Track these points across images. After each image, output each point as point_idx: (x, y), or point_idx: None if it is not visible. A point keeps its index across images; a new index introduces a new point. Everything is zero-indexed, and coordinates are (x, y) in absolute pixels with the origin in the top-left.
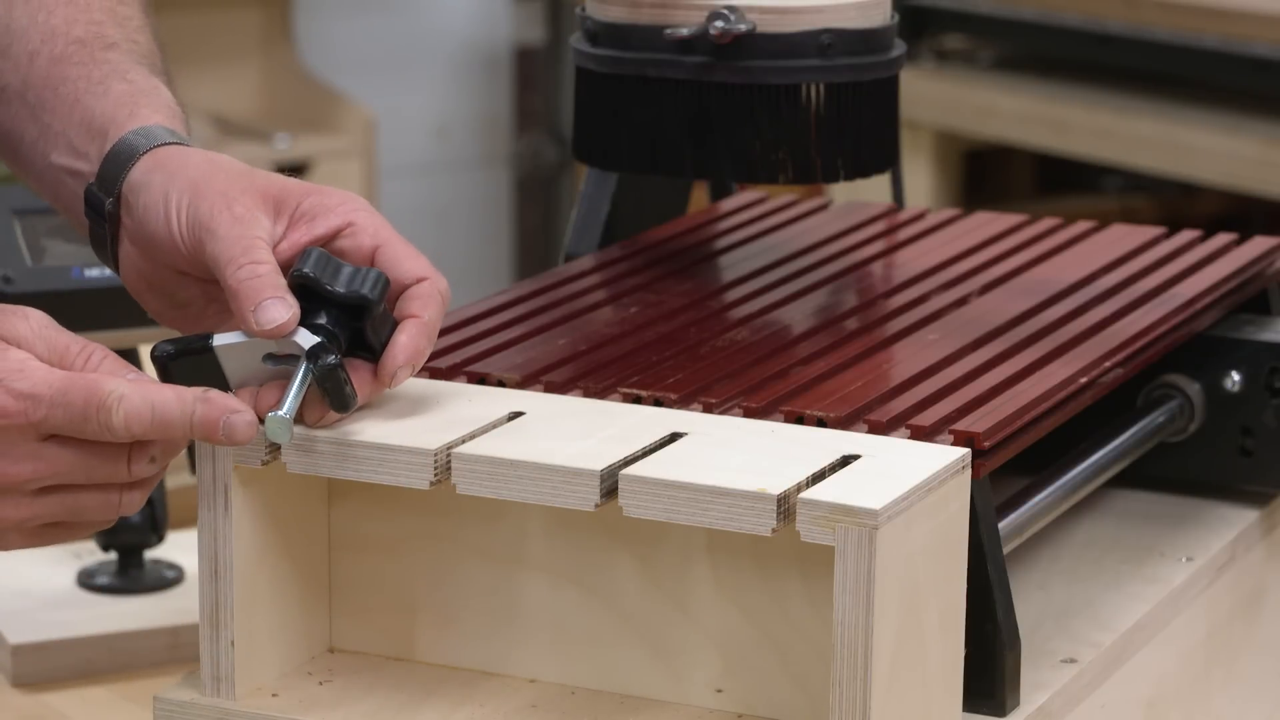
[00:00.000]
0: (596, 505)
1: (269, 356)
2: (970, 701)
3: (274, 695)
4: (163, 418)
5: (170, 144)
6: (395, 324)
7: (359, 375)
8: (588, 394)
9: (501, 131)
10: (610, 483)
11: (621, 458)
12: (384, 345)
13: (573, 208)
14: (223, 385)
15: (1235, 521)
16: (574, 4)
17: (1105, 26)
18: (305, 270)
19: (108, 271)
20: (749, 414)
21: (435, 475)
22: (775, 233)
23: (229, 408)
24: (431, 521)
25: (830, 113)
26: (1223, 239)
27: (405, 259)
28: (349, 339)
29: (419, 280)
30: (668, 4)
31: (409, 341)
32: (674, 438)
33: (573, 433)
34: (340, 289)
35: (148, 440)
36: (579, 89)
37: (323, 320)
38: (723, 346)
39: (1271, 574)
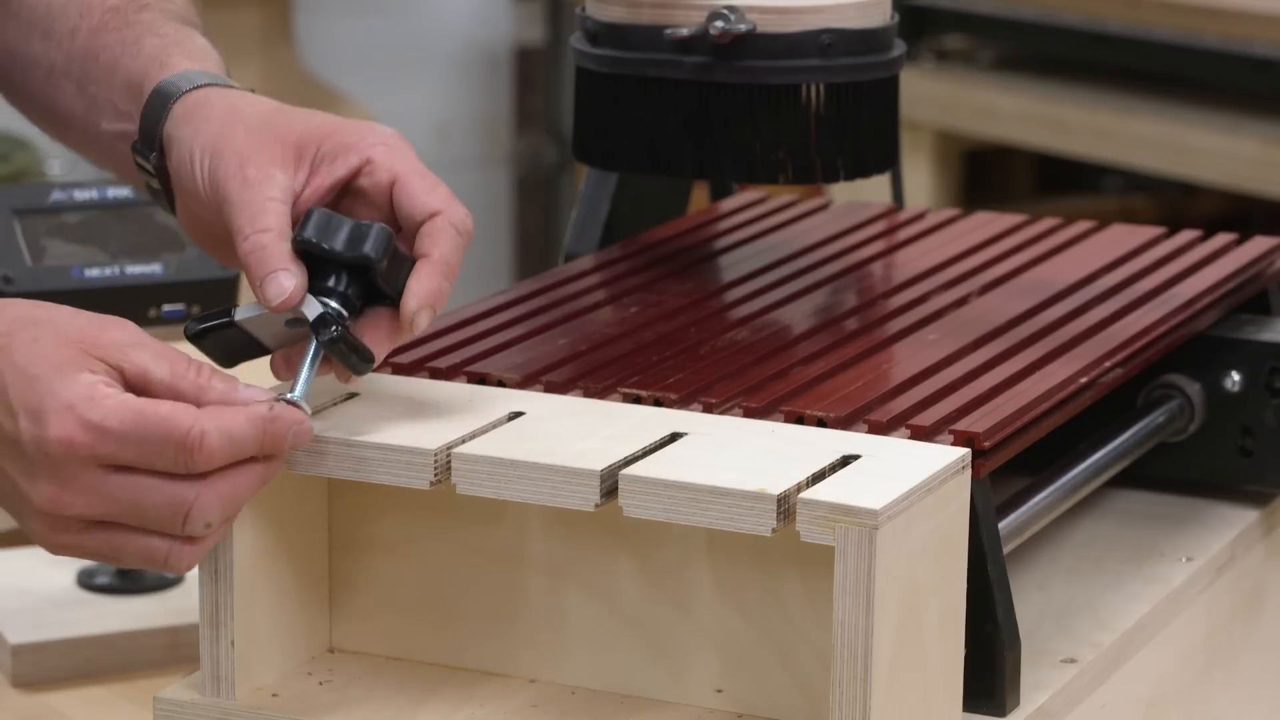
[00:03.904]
0: (596, 505)
1: (290, 321)
2: (970, 701)
3: (274, 695)
4: (239, 446)
5: (198, 88)
6: (414, 264)
7: (380, 325)
8: (588, 394)
9: (501, 131)
10: (610, 483)
11: (621, 458)
12: (404, 288)
13: (573, 208)
14: (257, 351)
15: (1235, 521)
16: (574, 4)
17: (1105, 26)
18: (306, 236)
19: (108, 271)
20: (749, 414)
21: (435, 475)
22: (775, 233)
23: (293, 420)
24: (431, 521)
25: (830, 113)
26: (1223, 239)
27: (419, 193)
28: (365, 291)
29: (431, 215)
30: (668, 4)
31: (421, 285)
32: (674, 438)
33: (573, 433)
34: (341, 249)
35: (212, 489)
36: (579, 89)
37: (332, 283)
38: (723, 346)
39: (1271, 574)
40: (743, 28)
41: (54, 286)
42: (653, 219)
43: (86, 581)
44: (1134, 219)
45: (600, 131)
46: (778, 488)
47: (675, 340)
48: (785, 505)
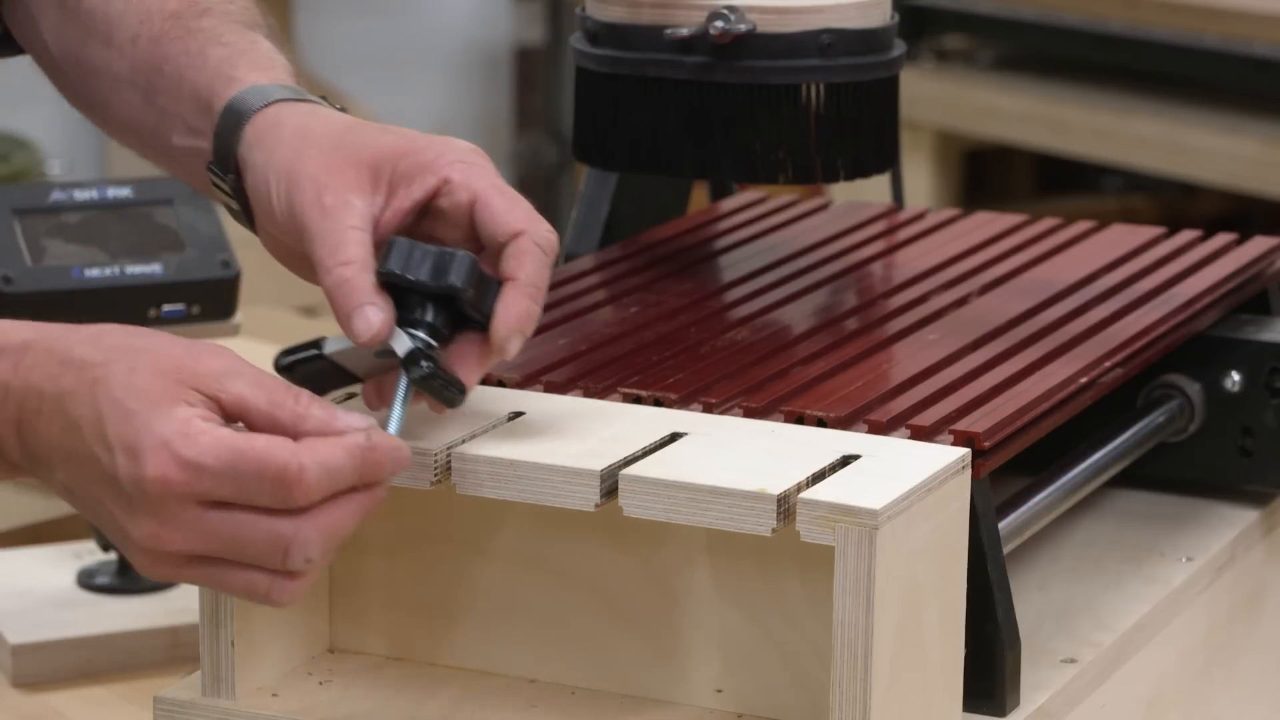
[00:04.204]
0: (596, 505)
1: (380, 351)
2: (970, 701)
3: (274, 695)
4: (337, 478)
5: (269, 105)
6: (500, 286)
7: (469, 351)
8: (588, 394)
9: (501, 131)
10: (610, 483)
11: (621, 458)
12: (491, 312)
13: (573, 208)
14: (348, 380)
15: (1235, 521)
16: (574, 4)
17: (1105, 26)
18: (390, 269)
19: (108, 271)
20: (749, 414)
21: (435, 475)
22: (775, 233)
23: (391, 448)
24: (431, 521)
25: (830, 113)
26: (1223, 239)
27: (500, 213)
28: (453, 318)
29: (515, 236)
30: (668, 4)
31: (509, 309)
32: (674, 438)
33: (573, 433)
34: (427, 280)
35: (311, 524)
36: (579, 89)
37: (418, 313)
38: (723, 346)
39: (1271, 574)
40: (743, 28)
41: (54, 286)
42: (653, 219)
43: (86, 581)
44: (1134, 219)
45: (600, 131)
46: (778, 488)
47: (675, 340)
48: (785, 505)
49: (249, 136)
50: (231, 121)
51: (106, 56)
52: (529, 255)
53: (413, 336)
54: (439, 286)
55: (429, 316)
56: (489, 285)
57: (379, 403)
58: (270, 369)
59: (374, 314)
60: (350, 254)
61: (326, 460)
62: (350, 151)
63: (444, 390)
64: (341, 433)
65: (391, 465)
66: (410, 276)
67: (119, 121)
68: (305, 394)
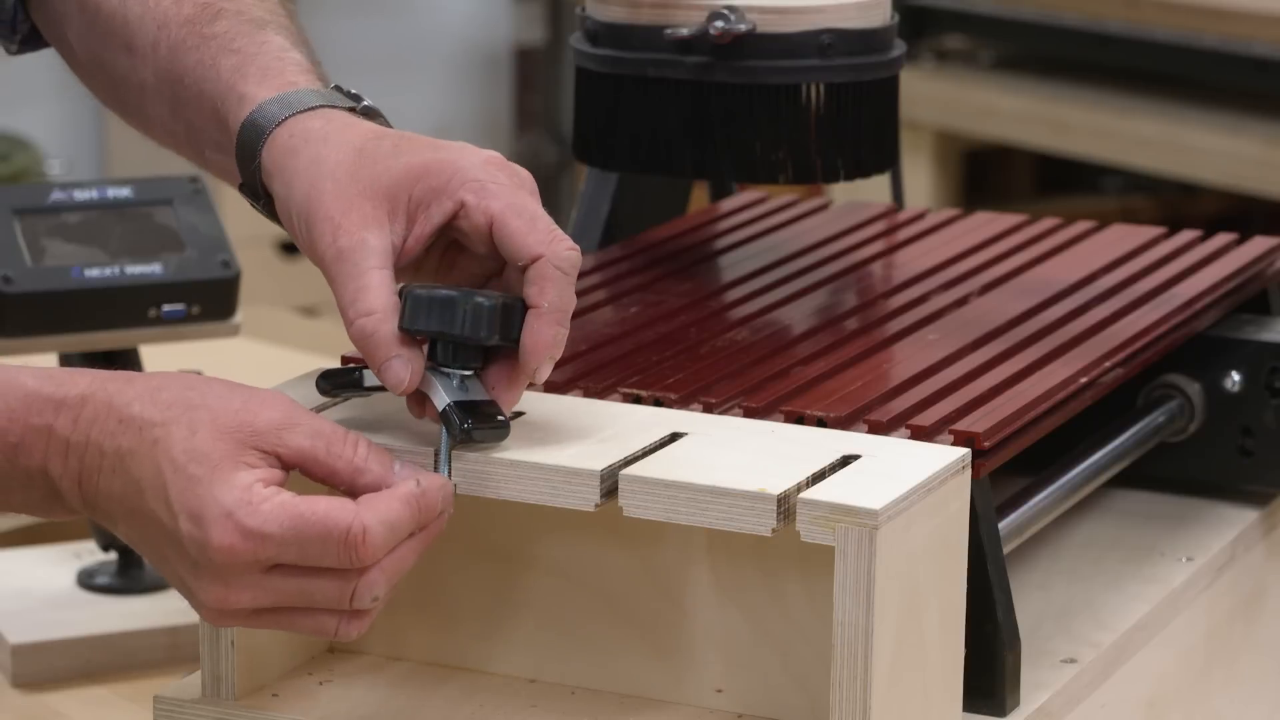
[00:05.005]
0: (596, 505)
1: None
2: (970, 701)
3: (274, 695)
4: (398, 532)
5: (280, 125)
6: (526, 310)
7: (501, 375)
8: (588, 394)
9: (501, 131)
10: (610, 483)
11: (621, 458)
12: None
13: (573, 208)
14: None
15: (1235, 521)
16: (574, 4)
17: (1105, 26)
18: (409, 326)
19: (108, 271)
20: (749, 414)
21: None
22: (775, 233)
23: (440, 486)
24: None
25: (830, 113)
26: (1223, 239)
27: (518, 235)
28: (485, 351)
29: (534, 260)
30: (668, 4)
31: (537, 339)
32: (674, 438)
33: (573, 433)
34: (452, 330)
35: (375, 569)
36: (579, 89)
37: (448, 355)
38: (723, 346)
39: (1271, 574)
40: (743, 28)
41: (54, 286)
42: (653, 219)
43: (86, 581)
44: (1134, 219)
45: (600, 131)
46: (778, 488)
47: (675, 340)
48: (785, 505)
49: (267, 164)
50: (248, 150)
51: (130, 64)
52: (550, 280)
53: (445, 377)
54: (465, 337)
55: (458, 357)
56: (515, 312)
57: (420, 412)
58: (275, 371)
59: (401, 367)
60: (370, 303)
61: (387, 517)
62: (365, 182)
63: (486, 438)
64: (395, 483)
65: (443, 504)
66: (432, 329)
67: (153, 129)
68: (363, 443)
